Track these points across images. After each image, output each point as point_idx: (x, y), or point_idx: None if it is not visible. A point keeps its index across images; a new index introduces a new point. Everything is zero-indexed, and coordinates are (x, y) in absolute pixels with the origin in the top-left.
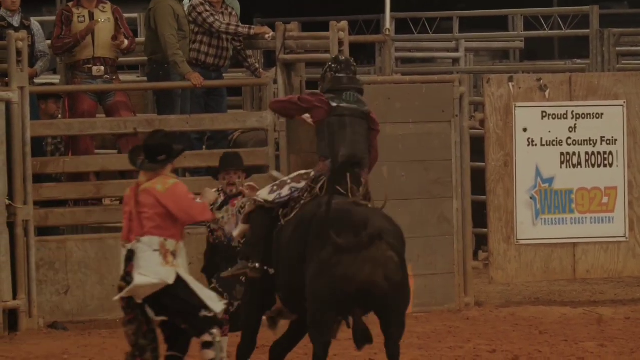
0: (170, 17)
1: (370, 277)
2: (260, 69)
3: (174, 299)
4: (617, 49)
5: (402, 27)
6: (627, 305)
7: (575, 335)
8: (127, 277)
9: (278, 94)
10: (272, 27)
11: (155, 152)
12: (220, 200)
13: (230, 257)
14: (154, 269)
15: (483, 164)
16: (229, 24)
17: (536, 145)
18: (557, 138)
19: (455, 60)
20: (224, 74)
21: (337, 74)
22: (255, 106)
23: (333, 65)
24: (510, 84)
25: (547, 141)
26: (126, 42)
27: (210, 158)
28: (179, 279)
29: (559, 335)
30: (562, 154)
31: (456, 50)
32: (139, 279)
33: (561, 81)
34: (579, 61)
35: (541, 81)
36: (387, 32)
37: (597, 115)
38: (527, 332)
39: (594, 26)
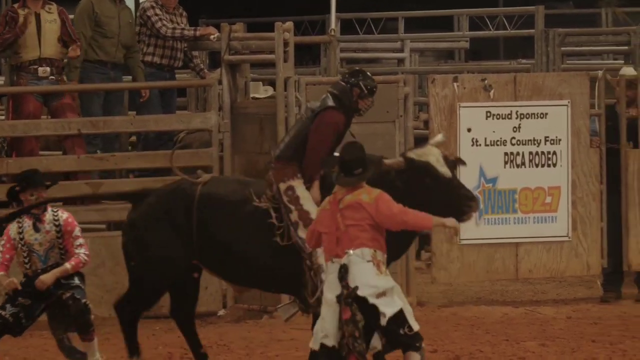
0: (86, 14)
1: None
2: (205, 70)
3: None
4: (562, 49)
5: (347, 27)
6: (569, 304)
7: (517, 334)
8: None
9: (222, 95)
10: (218, 28)
11: (353, 166)
12: (28, 223)
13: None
14: (370, 279)
15: None
16: (174, 28)
17: (480, 145)
18: (501, 138)
19: (400, 61)
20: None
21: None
22: (199, 107)
23: None
24: (454, 84)
25: (491, 141)
26: (79, 50)
27: (155, 159)
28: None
29: (501, 334)
30: (506, 153)
31: (401, 50)
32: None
33: (506, 81)
34: (524, 61)
35: (486, 81)
36: (332, 33)
37: (542, 115)
38: (468, 331)
39: (539, 26)
